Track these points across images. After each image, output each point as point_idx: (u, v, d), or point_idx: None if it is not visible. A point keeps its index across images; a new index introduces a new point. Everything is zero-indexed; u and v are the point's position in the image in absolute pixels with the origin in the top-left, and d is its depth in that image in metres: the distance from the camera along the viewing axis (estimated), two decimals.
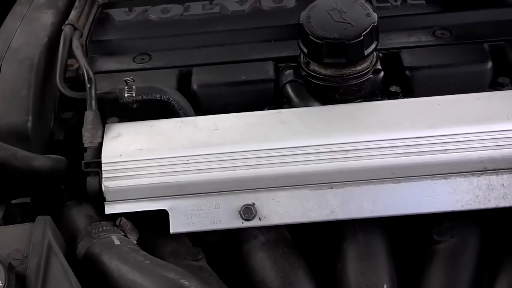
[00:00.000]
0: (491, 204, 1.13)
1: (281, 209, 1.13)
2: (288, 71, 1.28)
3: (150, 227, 1.17)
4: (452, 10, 1.40)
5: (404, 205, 1.13)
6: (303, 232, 1.19)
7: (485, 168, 1.12)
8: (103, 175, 1.14)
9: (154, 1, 1.52)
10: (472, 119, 1.14)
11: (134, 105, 1.23)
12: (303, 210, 1.13)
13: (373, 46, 1.21)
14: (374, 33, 1.20)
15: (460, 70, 1.27)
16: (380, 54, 1.29)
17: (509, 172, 1.13)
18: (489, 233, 1.17)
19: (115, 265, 1.04)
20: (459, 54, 1.30)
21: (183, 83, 1.31)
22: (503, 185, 1.13)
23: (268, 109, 1.26)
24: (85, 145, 1.17)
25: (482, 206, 1.13)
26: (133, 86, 1.22)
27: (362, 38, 1.18)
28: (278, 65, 1.32)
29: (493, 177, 1.13)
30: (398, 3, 1.44)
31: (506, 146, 1.12)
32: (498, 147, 1.12)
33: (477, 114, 1.15)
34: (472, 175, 1.12)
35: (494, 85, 1.28)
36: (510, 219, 1.17)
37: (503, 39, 1.33)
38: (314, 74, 1.24)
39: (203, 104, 1.29)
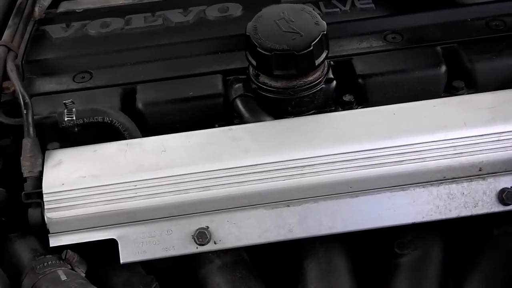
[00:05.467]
0: (453, 214, 1.11)
1: (237, 231, 1.10)
2: (237, 85, 1.23)
3: (100, 257, 1.13)
4: (403, 13, 1.37)
5: (363, 220, 1.11)
6: (262, 252, 1.16)
7: (444, 177, 1.10)
8: (45, 206, 1.09)
9: (93, 15, 1.45)
10: (429, 128, 1.12)
11: (76, 129, 1.17)
12: (260, 231, 1.10)
13: (323, 55, 1.18)
14: (324, 42, 1.17)
15: (414, 76, 1.25)
16: (332, 63, 1.25)
17: (469, 180, 1.11)
18: (452, 243, 1.16)
19: None
20: (412, 59, 1.27)
21: (127, 102, 1.25)
22: (463, 193, 1.11)
23: (219, 125, 1.22)
24: (25, 175, 1.12)
25: (443, 217, 1.11)
26: (73, 109, 1.17)
27: (312, 48, 1.14)
28: (227, 78, 1.27)
29: (453, 185, 1.11)
30: (347, 8, 1.40)
31: (464, 154, 1.10)
32: (456, 155, 1.10)
33: (434, 122, 1.12)
34: (432, 185, 1.11)
35: (449, 89, 1.25)
36: (472, 228, 1.15)
37: (455, 41, 1.30)
38: (265, 87, 1.20)
39: (150, 124, 1.23)
